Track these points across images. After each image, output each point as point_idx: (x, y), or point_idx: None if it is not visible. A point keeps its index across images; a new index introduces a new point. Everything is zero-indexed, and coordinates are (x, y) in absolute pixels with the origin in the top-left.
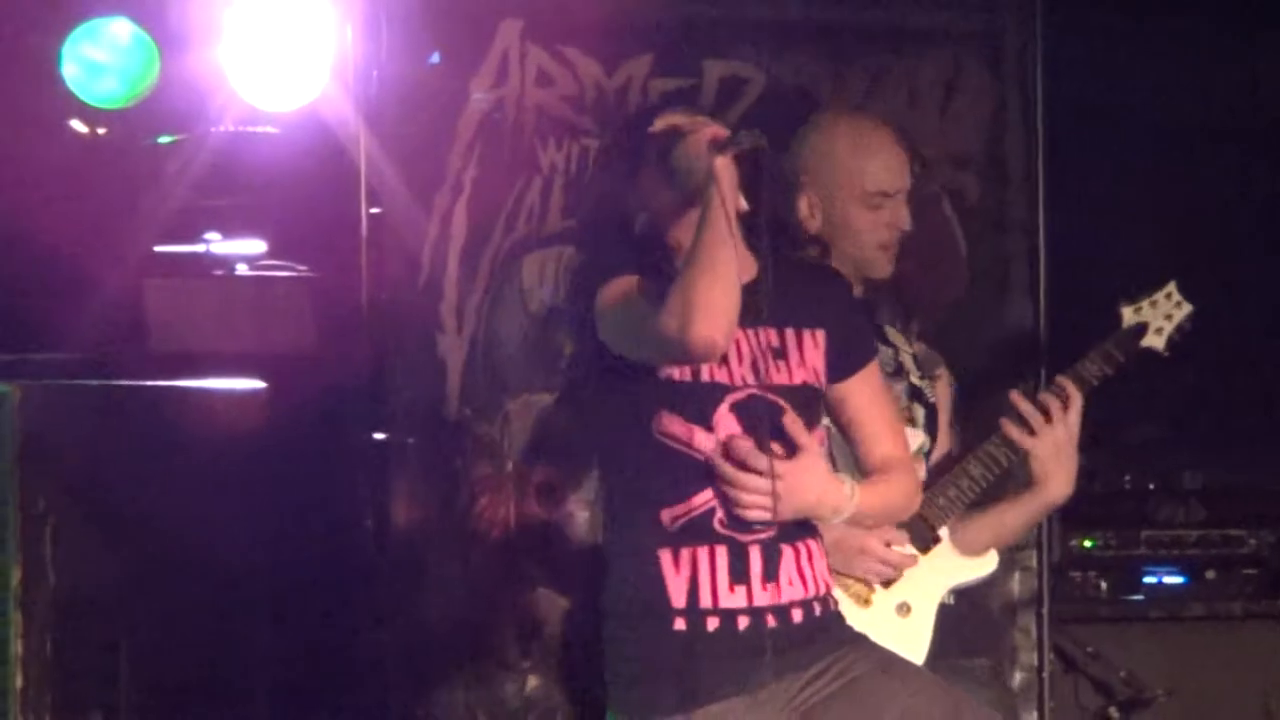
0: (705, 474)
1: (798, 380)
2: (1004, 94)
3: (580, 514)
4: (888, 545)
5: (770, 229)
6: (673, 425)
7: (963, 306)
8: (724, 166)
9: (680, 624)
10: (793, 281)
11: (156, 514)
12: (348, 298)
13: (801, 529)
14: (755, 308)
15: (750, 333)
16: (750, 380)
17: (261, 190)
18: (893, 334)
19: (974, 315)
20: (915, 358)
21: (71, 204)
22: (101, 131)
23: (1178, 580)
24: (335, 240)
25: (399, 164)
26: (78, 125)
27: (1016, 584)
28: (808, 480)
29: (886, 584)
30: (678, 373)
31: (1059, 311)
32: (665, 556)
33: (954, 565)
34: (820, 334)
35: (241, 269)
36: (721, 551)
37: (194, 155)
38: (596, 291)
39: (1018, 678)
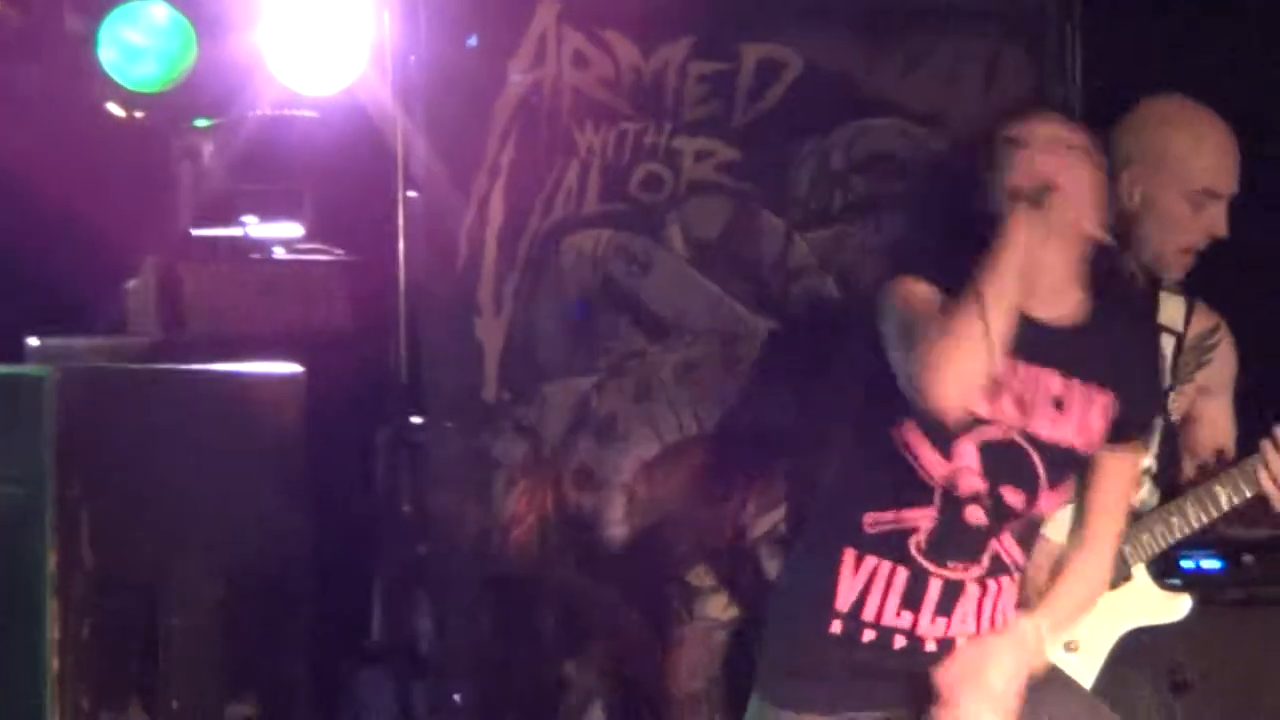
0: (924, 495)
1: (1065, 441)
2: (1043, 75)
3: (618, 498)
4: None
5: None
6: (911, 436)
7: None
8: (1028, 223)
9: (837, 627)
10: (1094, 325)
11: (193, 498)
12: (385, 281)
13: (999, 568)
14: (1055, 352)
15: (1037, 370)
16: (1013, 421)
17: (299, 174)
18: (1170, 303)
19: None
20: (1180, 344)
21: (109, 188)
22: (139, 115)
23: (1216, 565)
24: (373, 224)
25: (436, 147)
26: (115, 109)
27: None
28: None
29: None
30: None
31: None
32: (849, 555)
33: (1141, 605)
34: (1109, 398)
35: (279, 252)
36: (902, 574)
37: (231, 139)
38: (891, 280)
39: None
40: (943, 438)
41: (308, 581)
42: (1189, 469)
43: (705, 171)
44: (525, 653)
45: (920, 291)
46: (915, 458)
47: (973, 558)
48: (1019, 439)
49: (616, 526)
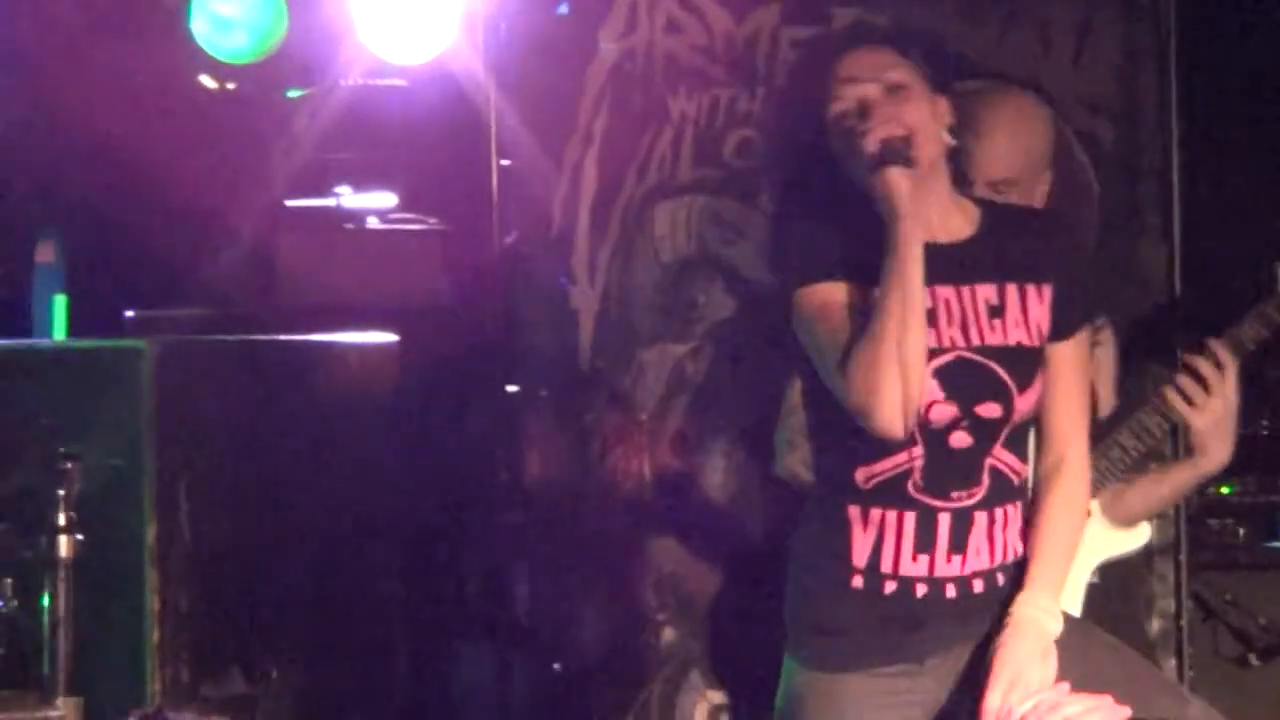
0: (907, 436)
1: (1013, 340)
2: (1137, 38)
3: (714, 464)
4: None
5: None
6: None
7: (1094, 255)
8: (898, 180)
9: (858, 582)
10: (1016, 232)
11: (290, 468)
12: (479, 250)
13: (1002, 494)
14: (971, 265)
15: (965, 289)
16: (959, 342)
17: (392, 143)
18: None
19: (1105, 264)
20: None
21: (202, 159)
22: (231, 86)
23: None
24: (466, 192)
25: (528, 115)
26: (207, 80)
27: (1154, 532)
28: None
29: None
30: None
31: (1192, 260)
32: (854, 513)
33: (1104, 539)
34: (1046, 289)
35: (373, 222)
36: (910, 519)
37: (323, 109)
38: (795, 291)
39: (1155, 626)
40: None
41: (404, 551)
42: None
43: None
44: (623, 620)
45: (832, 300)
46: None
47: (973, 481)
48: (971, 355)
49: (713, 493)
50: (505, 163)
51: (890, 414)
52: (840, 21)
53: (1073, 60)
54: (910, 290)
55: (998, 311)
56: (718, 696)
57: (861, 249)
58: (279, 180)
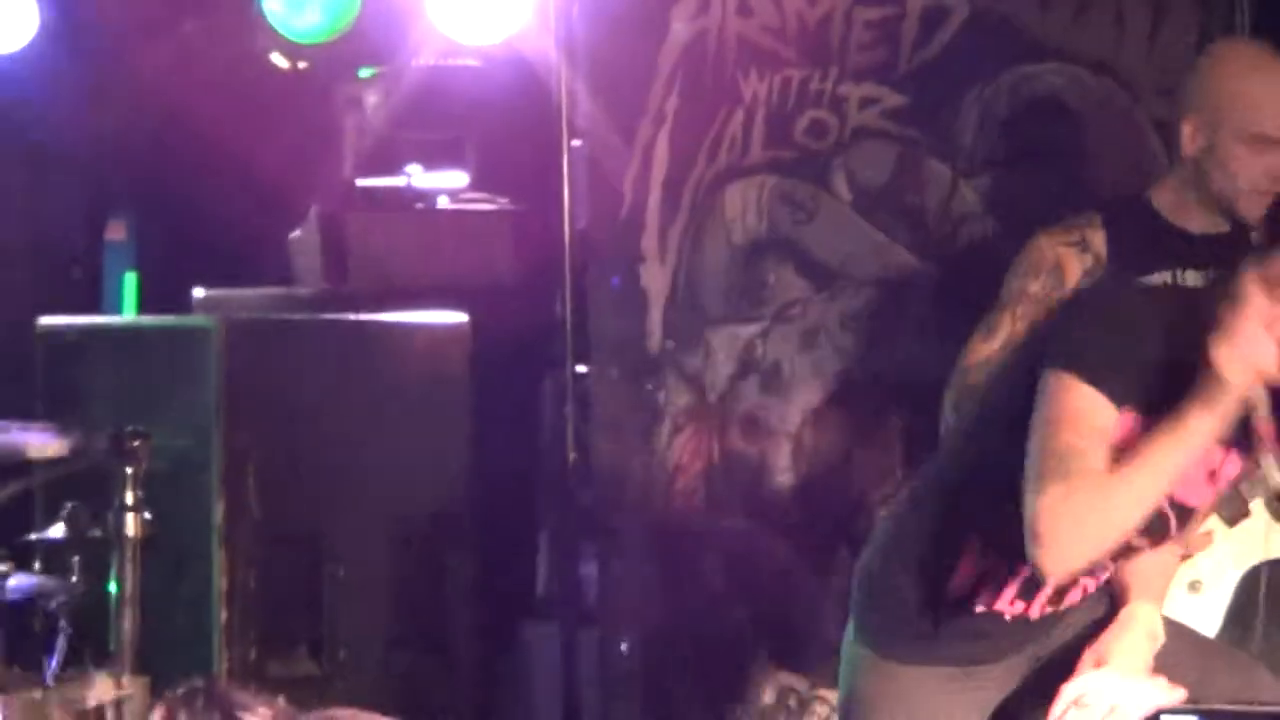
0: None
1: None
2: (1211, 21)
3: (784, 446)
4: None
5: None
6: None
7: None
8: (1261, 400)
9: (949, 597)
10: None
11: (358, 448)
12: (549, 230)
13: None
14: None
15: None
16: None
17: (462, 123)
18: None
19: None
20: None
21: (273, 138)
22: (303, 65)
23: None
24: (536, 172)
25: (600, 96)
26: (279, 59)
27: None
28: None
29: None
30: None
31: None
32: (972, 546)
33: (1262, 540)
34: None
35: (443, 202)
36: (1021, 570)
37: (395, 88)
38: (1059, 371)
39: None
40: None
41: (473, 532)
42: None
43: (870, 118)
44: (691, 602)
45: (1090, 411)
46: None
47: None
48: None
49: (783, 474)
50: (576, 143)
51: (1059, 566)
52: (914, 2)
53: (1148, 45)
54: (1175, 467)
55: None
56: (786, 678)
57: (1150, 377)
58: (350, 159)
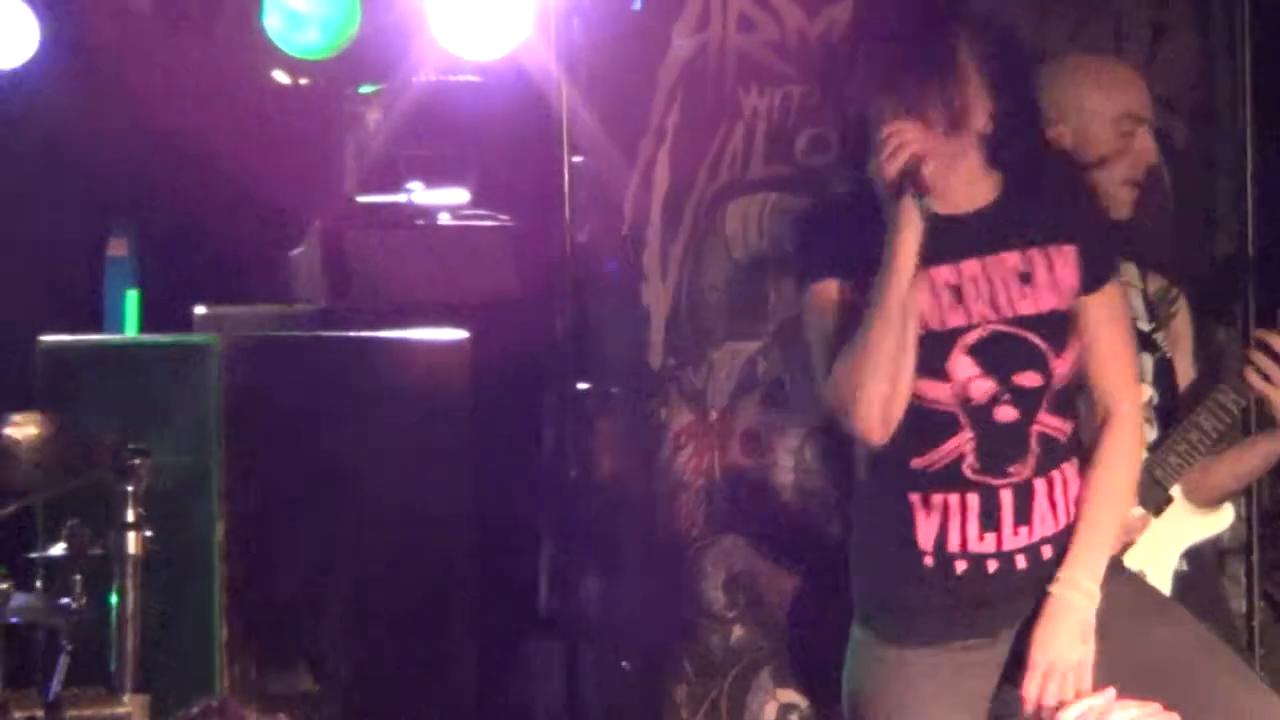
0: (950, 423)
1: (1046, 307)
2: (1211, 35)
3: (785, 462)
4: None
5: (1009, 142)
6: None
7: (1168, 250)
8: (908, 213)
9: (929, 561)
10: (1039, 197)
11: (360, 465)
12: (550, 246)
13: (1054, 458)
14: (995, 233)
15: (991, 259)
16: (990, 315)
17: (464, 139)
18: (1125, 267)
19: (1179, 259)
20: (1146, 297)
21: (273, 155)
22: (303, 81)
23: None
24: (538, 189)
25: (601, 111)
26: (280, 76)
27: (1226, 531)
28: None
29: (1120, 551)
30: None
31: (1266, 260)
32: (915, 500)
33: (1189, 524)
34: (1070, 249)
35: (444, 218)
36: (973, 499)
37: (395, 104)
38: (807, 286)
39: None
40: (932, 365)
41: (474, 548)
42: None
43: None
44: (693, 619)
45: (828, 298)
46: (919, 396)
47: (1024, 451)
48: (1003, 327)
49: (784, 491)
50: (577, 159)
51: (867, 415)
52: None
53: (1147, 58)
54: (887, 300)
55: (1027, 279)
56: (787, 696)
57: (873, 250)
58: (351, 176)
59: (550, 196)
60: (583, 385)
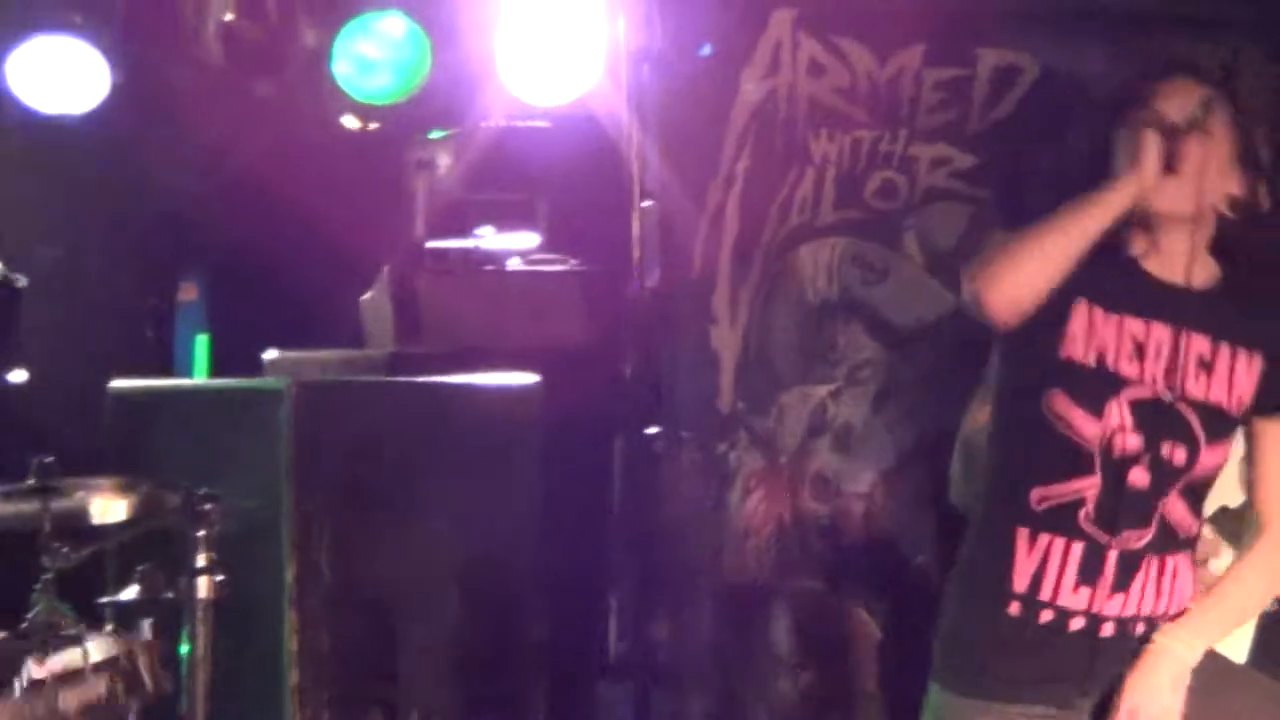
0: (1085, 462)
1: (1215, 399)
2: None
3: (855, 507)
4: (1204, 561)
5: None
6: (1059, 403)
7: None
8: (1151, 141)
9: (1015, 609)
10: (1251, 300)
11: (430, 510)
12: (620, 291)
13: (1171, 543)
14: (1196, 313)
15: (1182, 335)
16: (1159, 382)
17: (533, 184)
18: None
19: None
20: None
21: (343, 200)
22: (373, 127)
23: None
24: (607, 233)
25: (671, 156)
26: (350, 121)
27: None
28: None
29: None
30: (1080, 354)
31: None
32: (1022, 535)
33: None
34: (1259, 360)
35: (514, 263)
36: (1077, 549)
37: (465, 149)
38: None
39: None
40: (1092, 400)
41: (545, 593)
42: None
43: (941, 178)
44: (762, 664)
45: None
46: (1068, 424)
47: (1143, 523)
48: (1169, 396)
49: (855, 535)
50: (647, 204)
51: (998, 289)
52: (985, 63)
53: None
54: (1088, 217)
55: (1208, 367)
56: None
57: None
58: (421, 221)
59: (620, 241)
60: (653, 429)
